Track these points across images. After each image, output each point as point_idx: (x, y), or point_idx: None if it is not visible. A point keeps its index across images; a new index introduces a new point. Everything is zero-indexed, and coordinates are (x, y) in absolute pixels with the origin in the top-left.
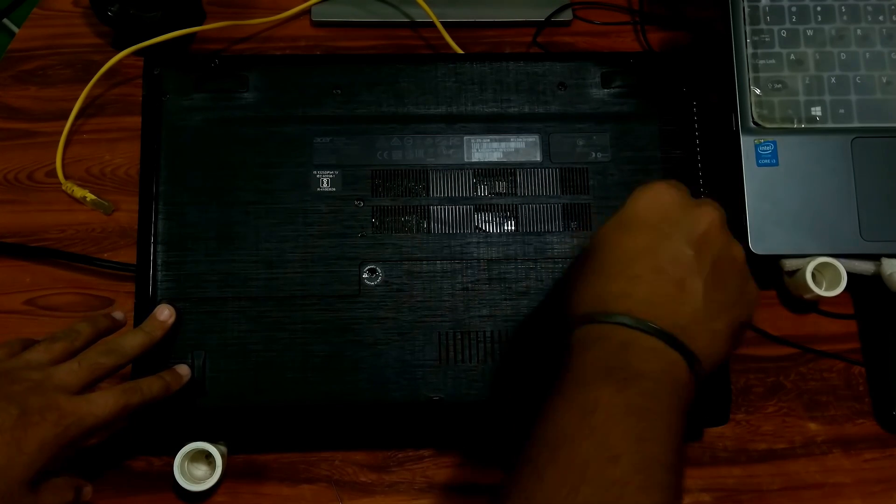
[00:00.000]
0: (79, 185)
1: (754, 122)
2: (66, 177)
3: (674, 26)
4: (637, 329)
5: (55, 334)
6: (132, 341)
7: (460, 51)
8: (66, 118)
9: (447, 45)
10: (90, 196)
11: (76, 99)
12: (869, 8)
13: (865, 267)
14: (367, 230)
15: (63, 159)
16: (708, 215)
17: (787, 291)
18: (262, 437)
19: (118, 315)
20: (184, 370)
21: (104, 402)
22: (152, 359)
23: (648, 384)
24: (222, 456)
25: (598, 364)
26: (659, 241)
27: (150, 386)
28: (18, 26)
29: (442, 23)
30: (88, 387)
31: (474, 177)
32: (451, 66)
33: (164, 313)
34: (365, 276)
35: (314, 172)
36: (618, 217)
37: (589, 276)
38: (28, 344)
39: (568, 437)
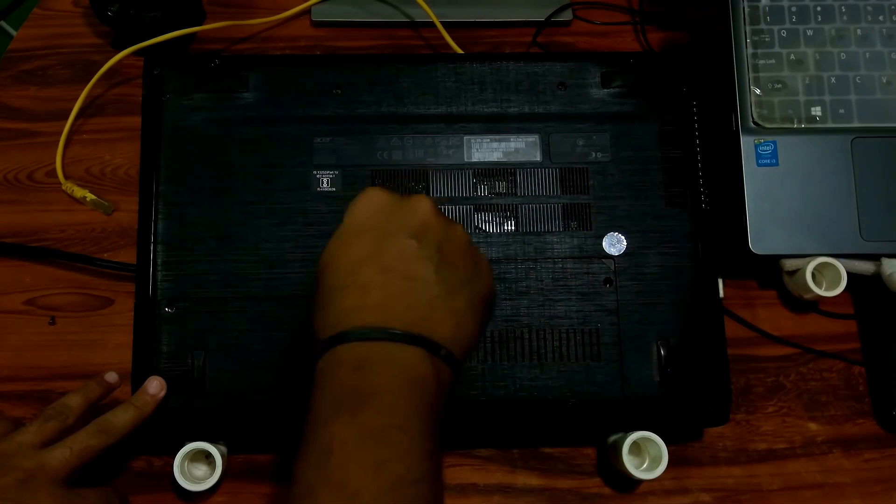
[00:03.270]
0: (79, 185)
1: (754, 122)
2: (66, 177)
3: (674, 26)
4: (370, 340)
5: (47, 412)
6: (123, 418)
7: (460, 51)
8: (66, 118)
9: (447, 45)
10: (90, 196)
11: (76, 99)
12: (869, 8)
13: (865, 267)
14: None
15: (63, 159)
16: (421, 204)
17: (787, 291)
18: (262, 437)
19: (111, 378)
20: (154, 386)
21: (94, 497)
22: (149, 364)
23: (384, 399)
24: (222, 456)
25: (333, 396)
26: (381, 241)
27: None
28: (18, 27)
29: (442, 23)
30: (78, 471)
31: (474, 177)
32: (451, 66)
33: (154, 386)
34: None
35: (314, 172)
36: (338, 232)
37: (324, 298)
38: (17, 423)
39: (310, 488)
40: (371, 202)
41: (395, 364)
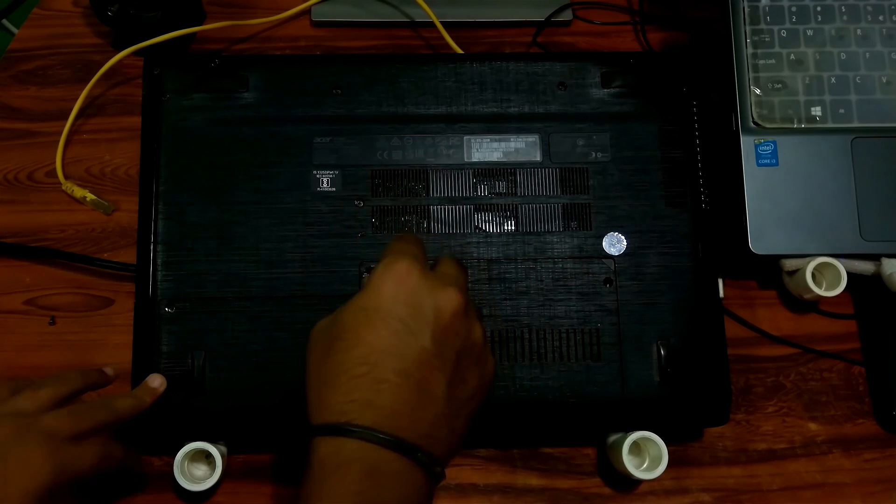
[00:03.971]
0: (79, 185)
1: (754, 122)
2: (66, 177)
3: (674, 26)
4: (382, 446)
5: (42, 380)
6: (123, 403)
7: (460, 51)
8: (66, 118)
9: (447, 45)
10: (90, 196)
11: (76, 99)
12: (869, 8)
13: (865, 267)
14: (367, 230)
15: (63, 159)
16: (451, 302)
17: (787, 291)
18: (262, 437)
19: (109, 371)
20: (156, 381)
21: (91, 450)
22: (149, 364)
23: None
24: (222, 456)
25: (340, 499)
26: (405, 339)
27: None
28: (18, 27)
29: (442, 23)
30: (77, 437)
31: (474, 177)
32: (451, 66)
33: (156, 382)
34: (365, 276)
35: (314, 172)
36: (361, 302)
37: (330, 368)
38: (18, 385)
39: None
40: (402, 283)
41: (405, 483)
